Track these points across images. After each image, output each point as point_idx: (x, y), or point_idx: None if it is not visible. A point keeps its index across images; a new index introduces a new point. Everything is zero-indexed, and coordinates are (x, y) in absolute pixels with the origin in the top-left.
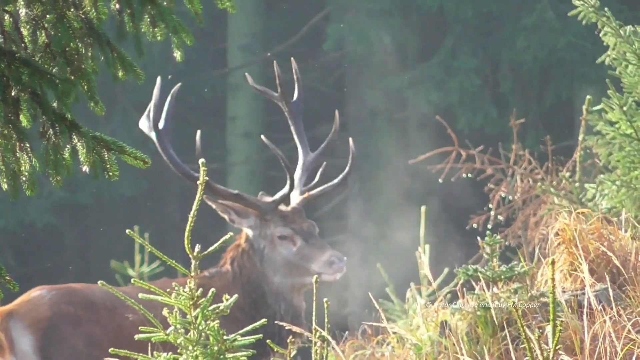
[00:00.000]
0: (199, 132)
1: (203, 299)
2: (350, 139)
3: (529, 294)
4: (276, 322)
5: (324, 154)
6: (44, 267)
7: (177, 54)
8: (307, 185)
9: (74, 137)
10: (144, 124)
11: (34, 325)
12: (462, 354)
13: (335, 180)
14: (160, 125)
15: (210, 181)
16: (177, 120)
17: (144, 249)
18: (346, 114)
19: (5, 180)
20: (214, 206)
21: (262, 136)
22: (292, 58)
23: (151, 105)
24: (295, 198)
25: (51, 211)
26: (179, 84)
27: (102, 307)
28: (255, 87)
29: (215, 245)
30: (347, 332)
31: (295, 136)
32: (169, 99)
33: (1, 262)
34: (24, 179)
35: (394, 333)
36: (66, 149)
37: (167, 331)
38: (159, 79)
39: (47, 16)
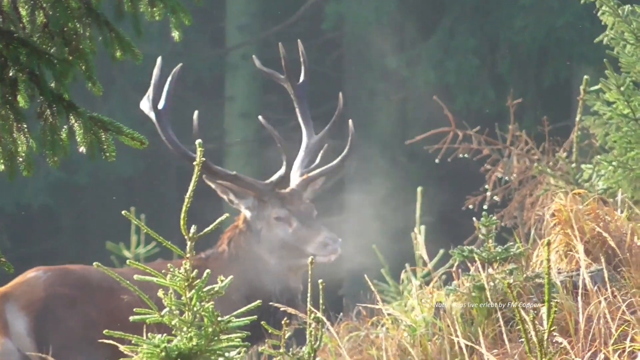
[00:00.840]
0: (196, 112)
1: (198, 280)
2: (350, 121)
3: (524, 275)
4: (271, 303)
5: (327, 135)
6: (40, 249)
7: (175, 34)
8: (308, 167)
9: (72, 117)
10: (145, 105)
11: (28, 307)
12: (457, 336)
13: (334, 162)
14: (160, 105)
15: (209, 162)
16: (175, 100)
17: (140, 230)
18: (344, 95)
19: (2, 160)
20: (213, 186)
21: (260, 117)
22: (298, 40)
23: (151, 86)
24: (296, 180)
25: (47, 192)
26: (180, 65)
27: (98, 289)
28: (262, 69)
29: (211, 226)
30: (341, 314)
31: (300, 118)
32: (169, 79)
33: None
34: (21, 159)
35: (389, 314)
36: (63, 130)
37: (162, 312)
38: (159, 59)
39: None
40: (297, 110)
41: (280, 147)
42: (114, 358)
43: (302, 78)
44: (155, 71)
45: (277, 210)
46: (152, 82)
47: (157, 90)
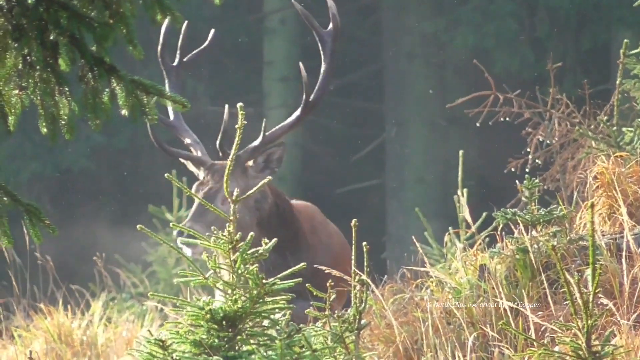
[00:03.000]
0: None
1: (242, 243)
2: (301, 64)
3: (568, 238)
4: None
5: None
6: (81, 212)
7: None
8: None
9: (113, 80)
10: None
11: None
12: (501, 298)
13: (285, 123)
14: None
15: (162, 143)
16: (214, 65)
17: (182, 192)
18: (383, 59)
19: (44, 124)
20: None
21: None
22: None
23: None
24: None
25: (88, 156)
26: (212, 31)
27: None
28: (301, 10)
29: (254, 189)
30: (386, 276)
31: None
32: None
33: (39, 206)
34: (62, 122)
35: (433, 277)
36: (105, 93)
37: (207, 275)
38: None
39: None
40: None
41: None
42: None
43: (329, 27)
44: (164, 30)
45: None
46: (161, 40)
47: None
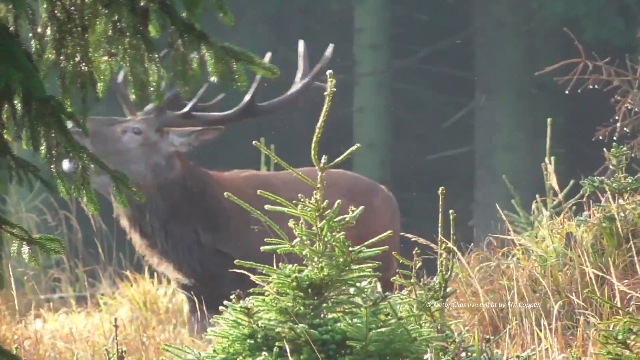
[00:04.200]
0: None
1: (329, 211)
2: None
3: None
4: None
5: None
6: None
7: None
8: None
9: (203, 47)
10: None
11: None
12: (587, 266)
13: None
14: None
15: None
16: (305, 32)
17: (270, 160)
18: (472, 27)
19: (133, 90)
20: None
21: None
22: None
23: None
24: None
25: None
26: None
27: None
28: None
29: (342, 156)
30: (472, 244)
31: None
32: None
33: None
34: (151, 89)
35: (520, 245)
36: (194, 59)
37: (293, 243)
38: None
39: None
40: None
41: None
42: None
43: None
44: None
45: None
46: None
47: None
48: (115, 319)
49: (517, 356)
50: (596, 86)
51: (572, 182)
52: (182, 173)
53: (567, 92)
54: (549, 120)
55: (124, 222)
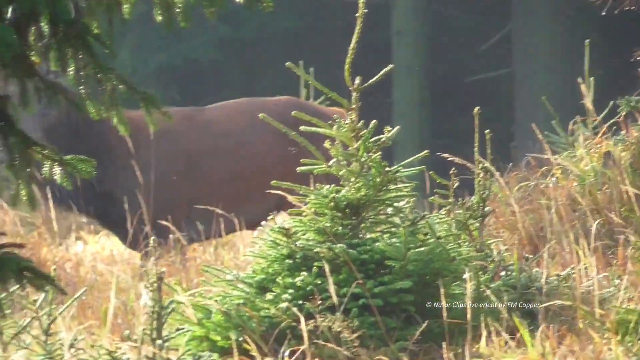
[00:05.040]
0: None
1: (365, 131)
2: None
3: None
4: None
5: None
6: (208, 102)
7: None
8: None
9: None
10: None
11: None
12: (626, 184)
13: None
14: None
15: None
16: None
17: (308, 83)
18: None
19: (159, 12)
20: None
21: None
22: None
23: None
24: None
25: (215, 47)
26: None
27: None
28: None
29: (376, 77)
30: (511, 164)
31: None
32: None
33: (166, 96)
34: (178, 10)
35: (558, 165)
36: None
37: (330, 163)
38: None
39: None
40: None
41: None
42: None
43: None
44: None
45: None
46: None
47: None
48: (155, 240)
49: (557, 275)
50: (632, 7)
51: (611, 102)
52: (65, 109)
53: (603, 13)
54: (586, 41)
55: None
